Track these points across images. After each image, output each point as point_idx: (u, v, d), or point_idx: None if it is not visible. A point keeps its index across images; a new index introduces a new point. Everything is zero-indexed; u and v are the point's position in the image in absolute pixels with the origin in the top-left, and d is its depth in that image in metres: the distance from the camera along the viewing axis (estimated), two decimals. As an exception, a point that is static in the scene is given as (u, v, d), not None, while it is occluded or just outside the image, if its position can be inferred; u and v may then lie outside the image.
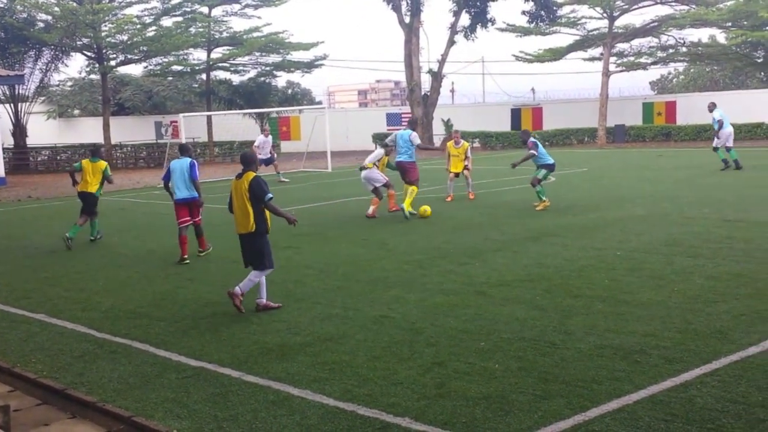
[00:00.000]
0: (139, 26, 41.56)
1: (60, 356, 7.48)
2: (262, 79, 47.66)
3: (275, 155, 27.55)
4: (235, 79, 48.19)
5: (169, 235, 14.33)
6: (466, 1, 42.28)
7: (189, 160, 12.75)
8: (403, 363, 6.70)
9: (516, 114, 47.73)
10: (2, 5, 40.38)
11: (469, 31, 43.32)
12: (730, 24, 40.98)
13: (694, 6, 41.36)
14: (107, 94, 43.79)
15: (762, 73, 53.70)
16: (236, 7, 45.86)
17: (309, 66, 47.18)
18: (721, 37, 46.55)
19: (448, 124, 45.85)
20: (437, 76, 44.65)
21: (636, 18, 63.16)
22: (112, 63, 43.09)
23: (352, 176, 28.32)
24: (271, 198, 8.71)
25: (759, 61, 43.77)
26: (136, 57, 43.39)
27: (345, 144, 47.20)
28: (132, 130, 48.98)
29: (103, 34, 40.01)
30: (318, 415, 5.67)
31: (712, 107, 23.60)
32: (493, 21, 43.54)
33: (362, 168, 16.46)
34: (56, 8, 39.69)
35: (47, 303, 9.76)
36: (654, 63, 45.49)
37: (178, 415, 5.81)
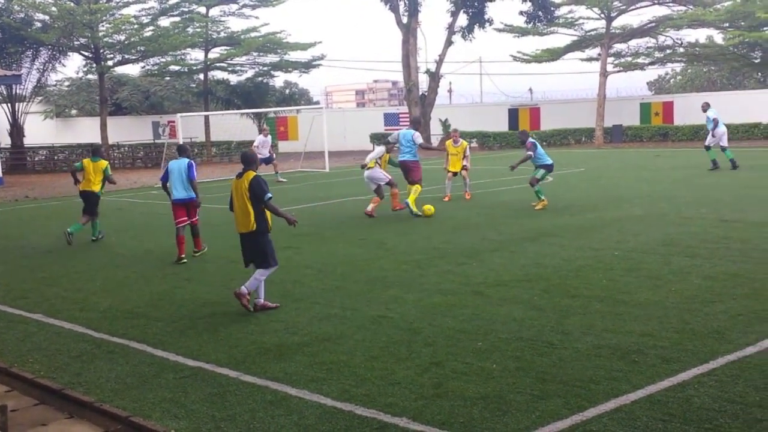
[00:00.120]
0: (136, 26, 41.53)
1: (57, 356, 7.47)
2: (260, 79, 47.65)
3: (274, 155, 27.57)
4: (233, 79, 48.22)
5: (166, 235, 14.31)
6: (464, 2, 42.31)
7: (187, 160, 12.76)
8: (401, 363, 6.70)
9: (513, 114, 47.76)
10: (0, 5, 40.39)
11: (467, 31, 43.34)
12: (727, 24, 41.02)
13: (691, 6, 41.40)
14: (104, 94, 43.77)
15: (759, 74, 53.80)
16: (234, 7, 45.87)
17: (306, 66, 47.18)
18: (718, 37, 46.60)
19: (445, 124, 45.89)
20: (435, 77, 44.66)
21: (633, 18, 63.26)
22: (110, 63, 43.07)
23: (350, 176, 28.34)
24: (271, 198, 8.71)
25: (756, 61, 43.82)
26: (134, 57, 43.36)
27: (342, 144, 47.19)
28: (129, 130, 48.97)
29: (100, 34, 39.98)
30: (316, 415, 5.67)
31: (705, 107, 23.69)
32: (490, 21, 43.57)
33: (363, 167, 16.43)
34: (53, 8, 39.66)
35: (45, 303, 9.75)
36: (651, 63, 45.52)
37: (176, 415, 5.81)
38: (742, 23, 39.53)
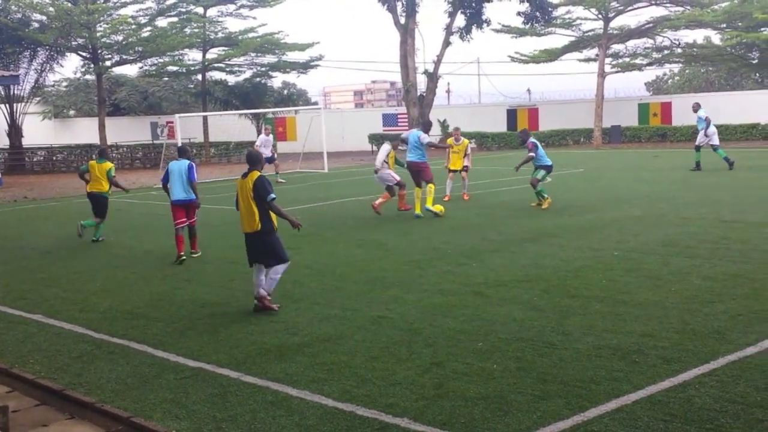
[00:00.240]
0: (134, 26, 41.48)
1: (58, 357, 7.47)
2: (258, 79, 47.61)
3: (275, 155, 27.59)
4: (231, 79, 48.17)
5: (165, 235, 14.30)
6: (462, 2, 42.28)
7: (187, 162, 12.79)
8: (402, 363, 6.70)
9: (512, 115, 47.75)
10: (-3, 5, 40.38)
11: (465, 32, 43.30)
12: (724, 25, 41.04)
13: (689, 7, 41.42)
14: (103, 95, 43.73)
15: (757, 74, 53.86)
16: (231, 7, 45.84)
17: (305, 67, 47.15)
18: (716, 38, 46.62)
19: (444, 125, 45.88)
20: (433, 77, 44.63)
21: (631, 19, 63.05)
22: (108, 63, 43.03)
23: (349, 177, 28.37)
24: (274, 199, 8.67)
25: (754, 62, 43.84)
26: (132, 57, 43.31)
27: (341, 145, 47.17)
28: (128, 131, 48.92)
29: (98, 34, 39.94)
30: (317, 416, 5.67)
31: (696, 107, 23.84)
32: (488, 22, 43.54)
33: (377, 172, 16.44)
34: (51, 8, 39.61)
35: (44, 304, 9.75)
36: (649, 64, 45.54)
37: (177, 416, 5.81)
38: (740, 24, 39.55)
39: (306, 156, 35.62)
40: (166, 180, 12.85)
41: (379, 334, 7.59)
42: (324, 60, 47.53)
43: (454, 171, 18.74)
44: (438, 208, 15.92)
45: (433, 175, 16.30)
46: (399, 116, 49.12)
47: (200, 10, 44.56)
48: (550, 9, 43.17)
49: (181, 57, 44.83)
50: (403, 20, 43.37)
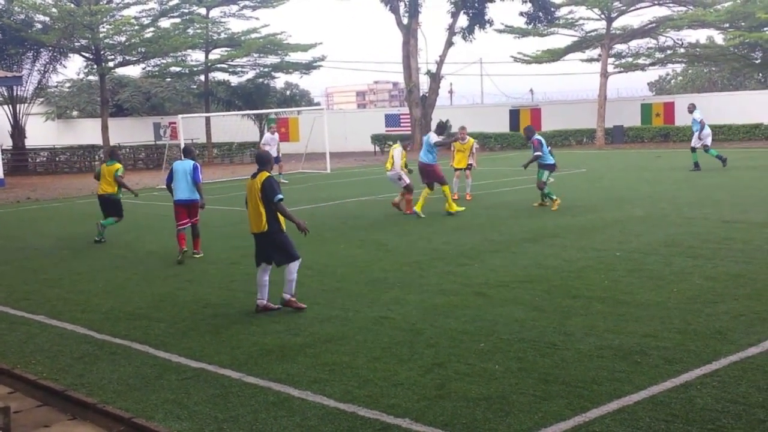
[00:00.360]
0: (137, 27, 41.53)
1: (60, 358, 7.48)
2: (261, 80, 47.64)
3: (280, 155, 27.61)
4: (234, 80, 48.22)
5: (168, 236, 14.32)
6: (464, 3, 42.30)
7: (192, 162, 12.83)
8: (404, 364, 6.70)
9: (514, 115, 47.72)
10: (0, 6, 40.37)
11: (467, 32, 43.34)
12: (727, 25, 40.99)
13: (691, 7, 41.39)
14: (105, 96, 43.77)
15: (760, 74, 53.73)
16: (234, 8, 45.86)
17: (307, 67, 47.17)
18: (718, 38, 46.58)
19: (437, 123, 45.85)
20: (435, 77, 44.67)
21: (634, 19, 63.00)
22: (111, 64, 43.08)
23: (351, 177, 28.37)
24: (281, 200, 8.65)
25: (757, 62, 43.79)
26: (135, 58, 43.36)
27: (343, 145, 47.20)
28: (131, 132, 48.95)
29: (101, 35, 39.99)
30: (318, 416, 5.67)
31: (692, 108, 23.82)
32: (491, 22, 43.58)
33: (400, 177, 16.51)
34: (54, 9, 39.66)
35: (47, 304, 9.76)
36: (652, 64, 45.50)
37: (179, 417, 5.81)
38: (743, 24, 39.51)
39: (308, 156, 35.63)
40: (170, 180, 12.87)
41: (381, 335, 7.59)
42: (326, 60, 47.60)
43: (459, 169, 18.79)
44: (458, 207, 16.18)
45: (444, 175, 16.36)
46: (401, 117, 49.13)
47: (203, 10, 44.61)
48: (552, 9, 43.19)
49: (183, 58, 44.89)
50: (405, 21, 43.42)
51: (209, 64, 45.45)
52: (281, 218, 8.75)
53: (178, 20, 43.78)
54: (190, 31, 43.18)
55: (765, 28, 38.75)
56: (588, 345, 6.94)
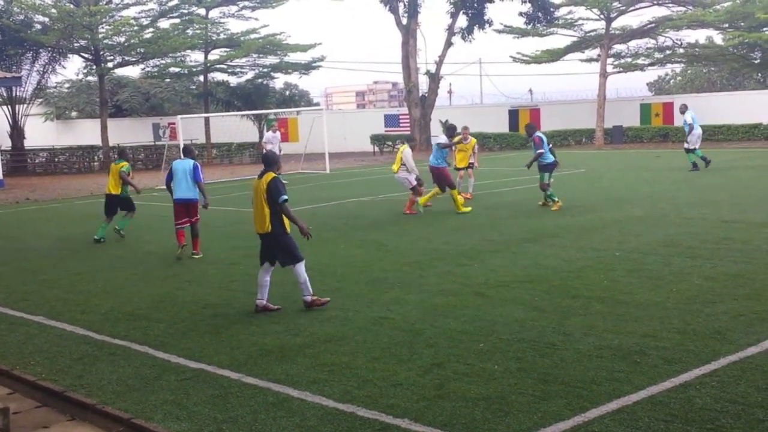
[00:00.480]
0: (136, 28, 41.49)
1: (59, 358, 7.48)
2: (260, 80, 47.61)
3: (281, 154, 27.60)
4: (233, 80, 48.17)
5: (167, 236, 14.33)
6: (464, 3, 42.31)
7: (192, 161, 12.86)
8: (403, 364, 6.70)
9: (514, 115, 47.70)
10: (-1, 7, 40.40)
11: (467, 32, 43.34)
12: (727, 25, 40.98)
13: (691, 7, 41.38)
14: (105, 96, 43.75)
15: (759, 74, 53.71)
16: (233, 8, 45.83)
17: (306, 67, 47.15)
18: (718, 38, 46.56)
19: (445, 125, 45.88)
20: (435, 78, 44.66)
21: (633, 19, 62.92)
22: (110, 65, 43.06)
23: (350, 177, 28.38)
24: (286, 201, 8.62)
25: (756, 62, 43.77)
26: (134, 59, 43.34)
27: (343, 145, 47.18)
28: (130, 132, 48.92)
29: (100, 35, 39.95)
30: (317, 417, 5.67)
31: (683, 109, 23.90)
32: (490, 22, 43.58)
33: (417, 178, 16.68)
34: (53, 10, 39.63)
35: (46, 305, 9.76)
36: (651, 64, 45.47)
37: (178, 417, 5.81)
38: (742, 24, 39.50)
39: (308, 157, 35.63)
40: (170, 179, 12.88)
41: (380, 335, 7.59)
42: (326, 61, 47.55)
43: (461, 169, 18.85)
44: (465, 208, 16.31)
45: (450, 180, 16.51)
46: (401, 117, 49.12)
47: (202, 11, 44.58)
48: (552, 9, 43.20)
49: (183, 58, 44.85)
50: (404, 21, 43.42)
51: (208, 65, 45.43)
52: (286, 221, 8.74)
53: (177, 21, 43.75)
54: (190, 31, 43.15)
55: (764, 29, 38.74)
56: (587, 345, 6.94)
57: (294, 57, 46.91)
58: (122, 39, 41.24)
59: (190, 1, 43.39)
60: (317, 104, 67.38)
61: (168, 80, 51.55)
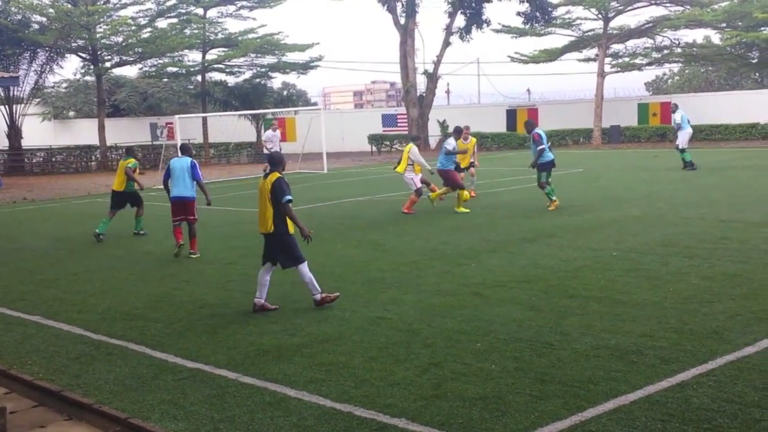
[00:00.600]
0: (134, 28, 41.47)
1: (56, 358, 7.47)
2: (258, 80, 47.61)
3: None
4: (231, 80, 48.18)
5: (164, 236, 14.32)
6: (461, 3, 42.34)
7: (189, 159, 12.86)
8: (400, 364, 6.70)
9: (512, 115, 47.70)
10: (-3, 7, 40.35)
11: (465, 32, 43.38)
12: (724, 25, 41.03)
13: (688, 7, 41.42)
14: (102, 96, 43.72)
15: (757, 74, 53.89)
16: (231, 8, 45.83)
17: (304, 67, 47.15)
18: (715, 37, 46.61)
19: (443, 125, 45.91)
20: (433, 77, 44.68)
21: (631, 19, 63.08)
22: (107, 64, 43.02)
23: (348, 177, 28.37)
24: (289, 201, 8.59)
25: (754, 61, 43.83)
26: (131, 58, 43.31)
27: (340, 145, 47.19)
28: (127, 132, 48.89)
29: (97, 35, 39.92)
30: (315, 416, 5.67)
31: (674, 108, 24.01)
32: (488, 22, 43.62)
33: (428, 186, 16.85)
34: (51, 10, 39.60)
35: (43, 305, 9.74)
36: (649, 64, 45.51)
37: (175, 417, 5.81)
38: (740, 23, 39.54)
39: (305, 157, 35.62)
40: (167, 177, 12.86)
41: (378, 335, 7.59)
42: (324, 61, 47.58)
43: (463, 169, 18.85)
44: (464, 209, 16.34)
45: (456, 181, 16.54)
46: (399, 117, 49.12)
47: (200, 11, 44.56)
48: (549, 9, 43.23)
49: (180, 58, 44.82)
50: (402, 21, 43.44)
51: (206, 65, 45.42)
52: (289, 223, 8.73)
53: (175, 20, 43.73)
54: (187, 31, 43.12)
55: (762, 28, 38.79)
56: (584, 345, 6.94)
57: (292, 57, 46.96)
58: (120, 39, 41.21)
59: (188, 0, 43.37)
60: (315, 104, 67.35)
61: (166, 80, 51.56)
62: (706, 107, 40.78)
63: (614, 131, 42.74)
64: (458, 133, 17.71)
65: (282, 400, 6.02)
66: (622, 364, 6.38)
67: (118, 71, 50.39)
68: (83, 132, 50.50)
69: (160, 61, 44.05)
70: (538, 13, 42.87)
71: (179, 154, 13.39)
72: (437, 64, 44.35)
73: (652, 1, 42.88)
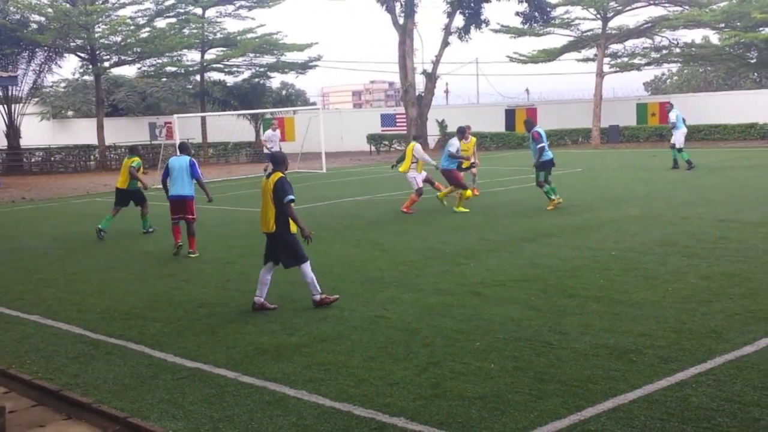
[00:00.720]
0: (132, 27, 41.45)
1: (55, 357, 7.46)
2: (256, 80, 47.61)
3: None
4: (229, 80, 48.19)
5: (163, 236, 14.32)
6: (460, 3, 42.32)
7: (188, 158, 12.86)
8: (399, 363, 6.70)
9: (510, 115, 47.74)
10: (-4, 7, 40.32)
11: (463, 32, 43.34)
12: (723, 25, 41.06)
13: (687, 7, 41.46)
14: (101, 96, 43.69)
15: (755, 74, 53.93)
16: (230, 8, 45.83)
17: (303, 67, 47.15)
18: (714, 38, 46.67)
19: (442, 125, 45.92)
20: (431, 77, 44.65)
21: (629, 19, 63.05)
22: (106, 64, 43.00)
23: (347, 177, 28.37)
24: (291, 200, 8.58)
25: (752, 61, 43.87)
26: (130, 58, 43.28)
27: (339, 145, 47.20)
28: (126, 132, 48.87)
29: (96, 35, 39.90)
30: (314, 416, 5.67)
31: (669, 107, 24.15)
32: (487, 22, 43.58)
33: (433, 185, 16.97)
34: (49, 9, 39.56)
35: (42, 304, 9.74)
36: (648, 64, 45.55)
37: (174, 416, 5.80)
38: (738, 24, 39.57)
39: (304, 156, 35.59)
40: (166, 175, 12.86)
41: (377, 334, 7.59)
42: (322, 60, 47.61)
43: (465, 169, 18.86)
44: (464, 209, 16.35)
45: (459, 181, 16.55)
46: (397, 116, 49.13)
47: (199, 10, 44.55)
48: (548, 9, 43.23)
49: (179, 58, 44.82)
50: (401, 20, 43.39)
51: (205, 64, 45.41)
52: (292, 223, 8.72)
53: (173, 20, 43.73)
54: (186, 31, 43.10)
55: (760, 28, 38.82)
56: (583, 344, 6.94)
57: (291, 56, 46.98)
58: (119, 38, 41.19)
59: (187, 0, 43.36)
60: (314, 104, 67.29)
61: (164, 79, 51.54)
62: (704, 107, 40.84)
63: (613, 131, 42.77)
64: (461, 133, 17.72)
65: (281, 400, 6.02)
66: (621, 364, 6.38)
67: (116, 71, 50.38)
68: (82, 131, 50.47)
69: (159, 61, 44.04)
70: (536, 13, 42.86)
71: (178, 153, 13.37)
72: (436, 63, 44.32)
73: (651, 1, 42.92)
